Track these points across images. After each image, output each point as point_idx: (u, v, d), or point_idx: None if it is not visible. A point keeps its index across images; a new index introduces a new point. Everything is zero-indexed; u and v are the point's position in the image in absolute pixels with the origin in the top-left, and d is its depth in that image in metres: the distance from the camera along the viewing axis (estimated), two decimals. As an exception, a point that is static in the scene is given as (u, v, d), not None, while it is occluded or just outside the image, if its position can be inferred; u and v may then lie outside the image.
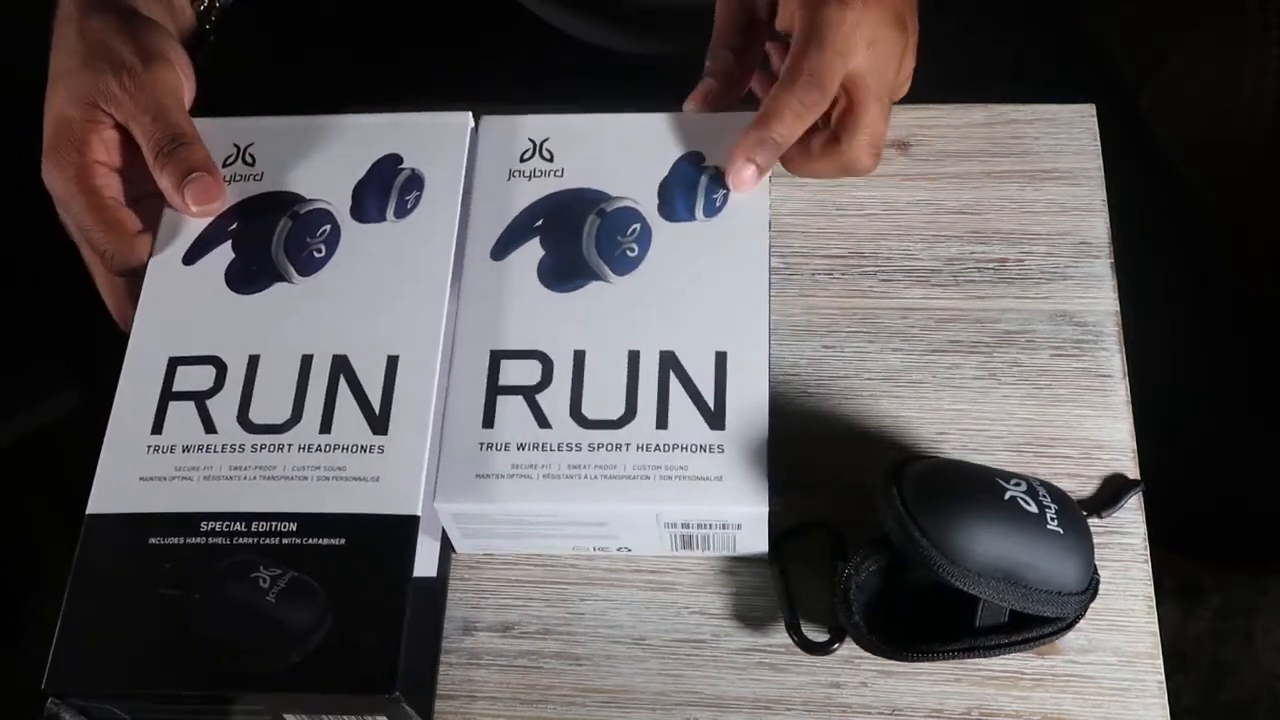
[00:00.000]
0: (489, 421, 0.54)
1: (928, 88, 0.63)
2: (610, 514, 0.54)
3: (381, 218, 0.58)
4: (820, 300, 0.63)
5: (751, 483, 0.53)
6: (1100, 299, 0.62)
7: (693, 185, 0.59)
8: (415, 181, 0.58)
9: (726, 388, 0.54)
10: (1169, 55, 1.03)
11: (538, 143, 0.60)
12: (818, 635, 0.55)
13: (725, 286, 0.56)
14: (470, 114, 0.61)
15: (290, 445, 0.53)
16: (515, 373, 0.55)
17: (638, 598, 0.57)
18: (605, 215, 0.58)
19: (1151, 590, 0.56)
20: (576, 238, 0.58)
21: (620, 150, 0.60)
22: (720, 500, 0.52)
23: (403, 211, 0.58)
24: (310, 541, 0.51)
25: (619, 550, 0.57)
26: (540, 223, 0.58)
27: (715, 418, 0.54)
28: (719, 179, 0.59)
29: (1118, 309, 0.62)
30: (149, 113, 0.57)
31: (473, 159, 0.60)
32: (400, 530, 0.51)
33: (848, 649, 0.54)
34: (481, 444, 0.54)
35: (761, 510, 0.53)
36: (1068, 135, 0.66)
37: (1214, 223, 0.86)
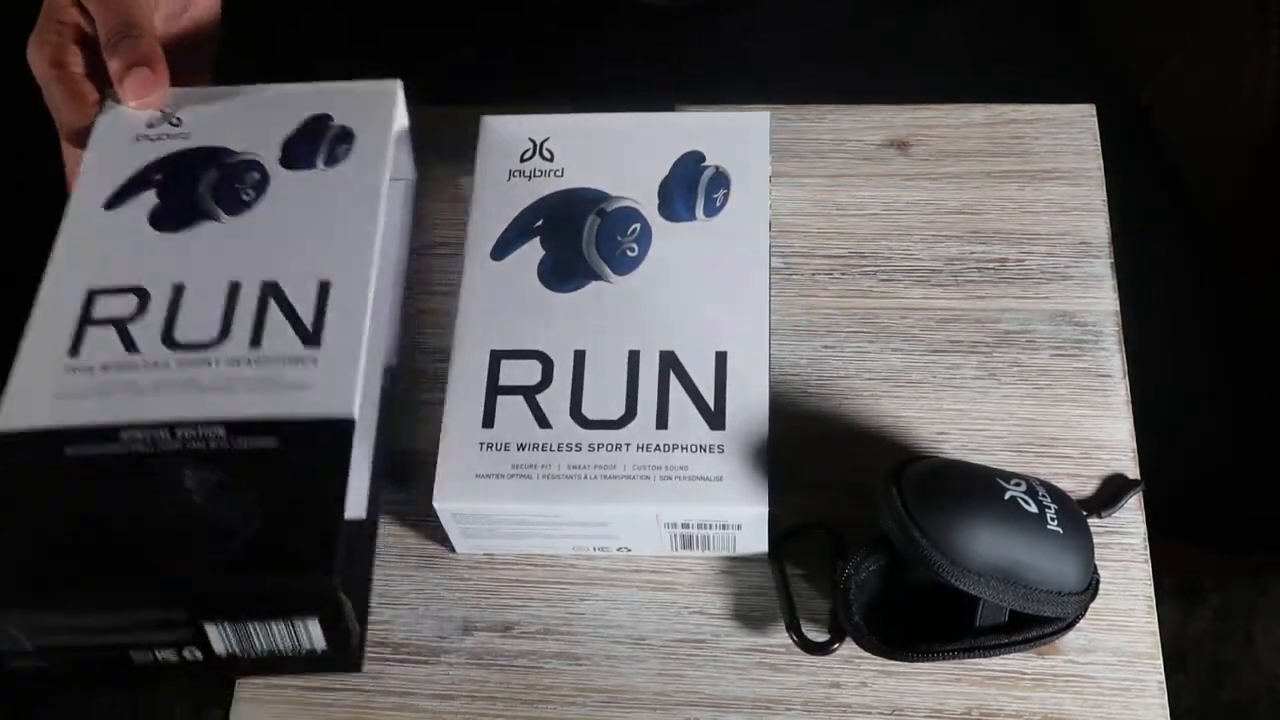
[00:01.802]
0: (489, 421, 0.54)
1: (928, 88, 0.63)
2: (610, 514, 0.54)
3: (312, 165, 0.57)
4: (820, 300, 0.63)
5: (751, 483, 0.53)
6: (1100, 299, 0.62)
7: (693, 185, 0.58)
8: (345, 135, 0.58)
9: (726, 388, 0.54)
10: (1169, 55, 1.03)
11: (538, 143, 0.60)
12: (818, 635, 0.55)
13: (725, 286, 0.56)
14: (399, 81, 0.60)
15: (218, 360, 0.51)
16: (515, 373, 0.55)
17: (638, 598, 0.57)
18: (605, 215, 0.58)
19: (1151, 590, 0.56)
20: (576, 238, 0.58)
21: (620, 150, 0.60)
22: (720, 501, 0.52)
23: (333, 161, 0.57)
24: (240, 445, 0.49)
25: (619, 550, 0.57)
26: (540, 223, 0.58)
27: (715, 418, 0.54)
28: (719, 179, 0.59)
29: (1118, 309, 0.62)
30: (103, 1, 0.58)
31: (475, 156, 0.60)
32: (336, 431, 0.49)
33: (848, 649, 0.54)
34: (481, 444, 0.54)
35: (761, 510, 0.53)
36: (1068, 135, 0.66)
37: (1214, 223, 0.86)
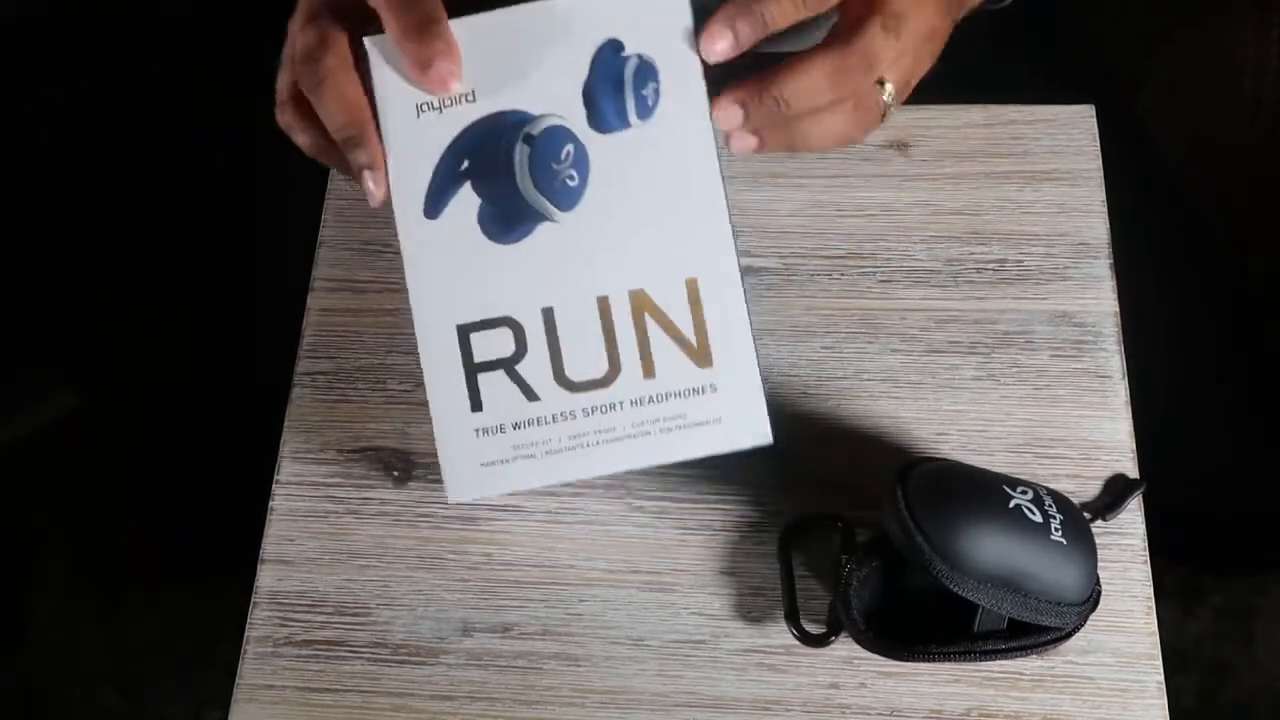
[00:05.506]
0: (477, 405, 0.52)
1: (927, 88, 0.63)
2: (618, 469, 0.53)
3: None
4: (820, 300, 0.63)
5: (750, 415, 0.51)
6: (1100, 299, 0.62)
7: (618, 83, 0.52)
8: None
9: (705, 319, 0.52)
10: (1168, 55, 1.03)
11: None
12: (816, 630, 0.55)
13: (679, 202, 0.52)
14: None
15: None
16: (487, 345, 0.53)
17: (636, 598, 0.57)
18: (534, 141, 0.53)
19: (1151, 591, 0.56)
20: (509, 174, 0.52)
21: (530, 54, 0.53)
22: (723, 441, 0.51)
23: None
24: None
25: None
26: (466, 165, 0.53)
27: (700, 355, 0.52)
28: (646, 69, 0.52)
29: (1117, 309, 0.62)
30: None
31: (381, 93, 0.53)
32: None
33: (847, 650, 0.54)
34: (476, 430, 0.52)
35: (765, 438, 0.51)
36: (1066, 136, 0.66)
37: (1213, 222, 0.86)
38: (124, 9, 1.06)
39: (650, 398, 0.52)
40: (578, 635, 0.57)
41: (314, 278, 0.66)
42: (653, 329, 0.52)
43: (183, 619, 1.22)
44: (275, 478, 0.61)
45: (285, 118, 0.54)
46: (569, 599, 0.58)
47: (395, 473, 0.60)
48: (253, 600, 0.59)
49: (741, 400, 0.51)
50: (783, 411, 0.59)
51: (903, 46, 0.51)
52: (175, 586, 1.23)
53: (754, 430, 0.51)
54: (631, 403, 0.52)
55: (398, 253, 0.65)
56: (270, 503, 0.60)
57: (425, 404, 0.61)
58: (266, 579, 0.59)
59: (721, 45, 0.50)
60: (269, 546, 0.60)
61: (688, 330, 0.52)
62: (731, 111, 0.51)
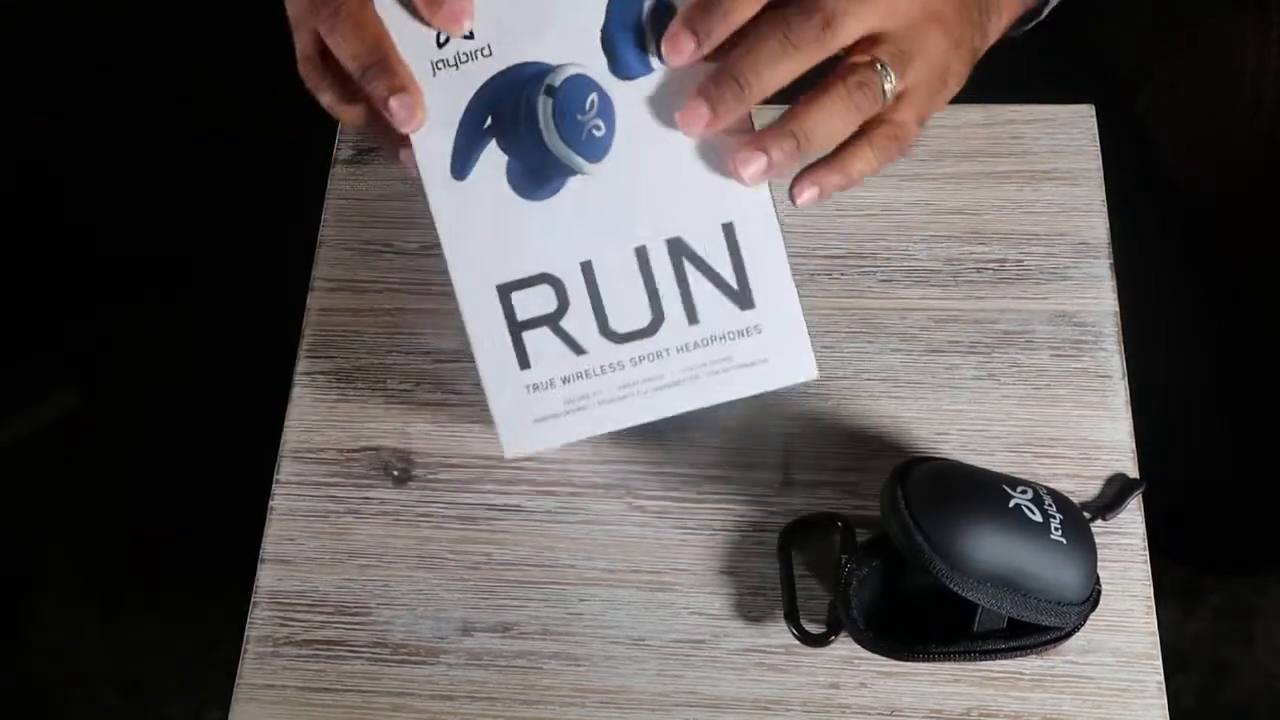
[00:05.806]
0: (525, 362, 0.53)
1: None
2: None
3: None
4: (820, 300, 0.63)
5: (796, 353, 0.52)
6: (1100, 299, 0.62)
7: (637, 27, 0.51)
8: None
9: (743, 261, 0.52)
10: (1168, 55, 1.03)
11: None
12: (816, 630, 0.55)
13: (709, 145, 0.52)
14: None
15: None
16: (529, 303, 0.53)
17: (637, 598, 0.57)
18: (556, 92, 0.51)
19: (1151, 591, 0.56)
20: (534, 129, 0.52)
21: (544, 4, 0.51)
22: (770, 380, 0.52)
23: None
24: None
25: None
26: (490, 122, 0.52)
27: (742, 297, 0.52)
28: (664, 8, 0.50)
29: (1117, 309, 0.62)
30: None
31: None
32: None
33: (847, 650, 0.54)
34: (527, 387, 0.52)
35: (812, 373, 0.52)
36: (1066, 136, 0.66)
37: (1213, 223, 0.86)
38: (124, 9, 1.06)
39: (696, 343, 0.52)
40: (578, 635, 0.57)
41: (314, 278, 0.66)
42: (693, 275, 0.52)
43: (183, 619, 1.22)
44: (275, 478, 0.61)
45: (308, 73, 0.52)
46: (569, 599, 0.58)
47: (395, 473, 0.60)
48: (253, 600, 0.59)
49: (786, 339, 0.51)
50: (782, 412, 0.59)
51: (873, 8, 0.48)
52: (175, 586, 1.23)
53: (800, 367, 0.51)
54: (678, 349, 0.52)
55: (398, 252, 0.66)
56: (270, 502, 0.61)
57: (426, 404, 0.62)
58: (266, 579, 0.59)
59: (686, 54, 0.49)
60: (269, 546, 0.60)
61: (728, 274, 0.52)
62: (696, 107, 0.49)
